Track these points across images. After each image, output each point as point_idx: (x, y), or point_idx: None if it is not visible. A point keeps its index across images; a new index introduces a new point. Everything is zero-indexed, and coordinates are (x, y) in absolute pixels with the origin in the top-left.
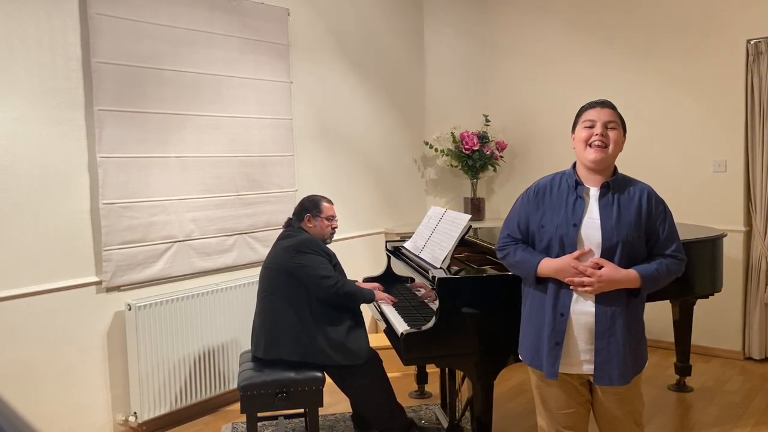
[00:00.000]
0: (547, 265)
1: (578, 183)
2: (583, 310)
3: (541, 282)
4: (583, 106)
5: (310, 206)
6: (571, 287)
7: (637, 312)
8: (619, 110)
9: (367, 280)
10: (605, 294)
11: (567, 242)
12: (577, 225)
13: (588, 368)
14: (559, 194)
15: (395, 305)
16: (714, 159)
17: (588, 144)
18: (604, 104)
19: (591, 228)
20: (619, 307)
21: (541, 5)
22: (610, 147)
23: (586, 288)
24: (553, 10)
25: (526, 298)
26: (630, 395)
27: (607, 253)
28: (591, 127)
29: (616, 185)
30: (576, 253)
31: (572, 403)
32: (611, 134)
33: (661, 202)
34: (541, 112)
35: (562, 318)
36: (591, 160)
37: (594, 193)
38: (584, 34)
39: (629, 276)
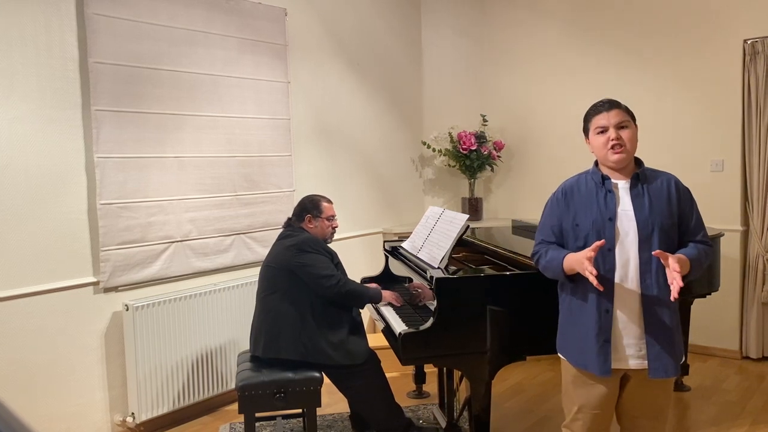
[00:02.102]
0: (569, 259)
1: (605, 178)
2: (629, 304)
3: (581, 281)
4: (589, 111)
5: (310, 207)
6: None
7: (676, 303)
8: None
9: (365, 280)
10: (650, 286)
11: (605, 237)
12: (612, 219)
13: (636, 363)
14: (587, 192)
15: (393, 305)
16: (711, 158)
17: (608, 149)
18: (611, 106)
19: (626, 220)
20: (664, 299)
21: (539, 5)
22: (628, 146)
23: (675, 287)
24: (551, 10)
25: (564, 299)
26: (670, 388)
27: (645, 242)
28: (604, 132)
29: (644, 176)
30: (593, 247)
31: (606, 402)
32: (625, 134)
33: (687, 190)
34: (539, 112)
35: (607, 315)
36: (614, 161)
37: (624, 185)
38: (582, 33)
39: (683, 260)
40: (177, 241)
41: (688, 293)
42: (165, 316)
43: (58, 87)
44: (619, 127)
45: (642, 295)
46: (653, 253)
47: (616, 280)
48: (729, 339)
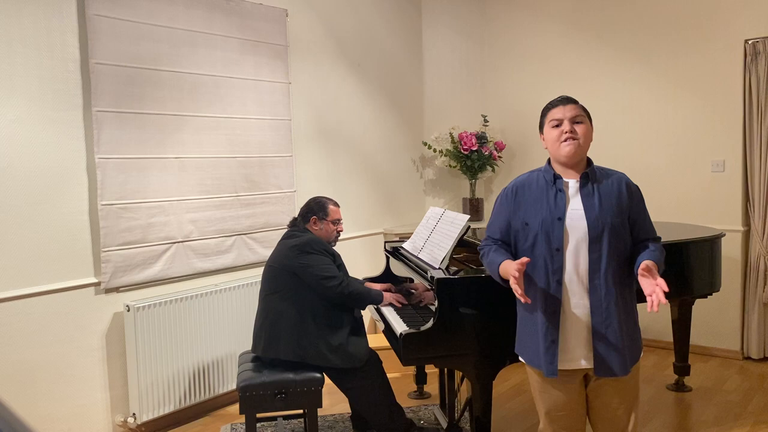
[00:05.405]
0: (504, 266)
1: (557, 177)
2: (577, 304)
3: (531, 281)
4: (546, 106)
5: (317, 208)
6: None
7: (630, 301)
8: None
9: (367, 280)
10: (598, 287)
11: (553, 236)
12: (561, 218)
13: (586, 362)
14: (538, 190)
15: (394, 306)
16: (712, 159)
17: (560, 141)
18: (567, 101)
19: (576, 219)
20: (613, 298)
21: (539, 5)
22: (581, 140)
23: (656, 300)
24: (551, 10)
25: (519, 300)
26: (628, 386)
27: (595, 241)
28: (558, 125)
29: (594, 175)
30: (520, 261)
31: (571, 403)
32: (579, 128)
33: (638, 189)
34: (540, 112)
35: (554, 315)
36: (565, 154)
37: (573, 185)
38: (582, 33)
39: (653, 268)
40: (178, 242)
41: (689, 293)
42: (166, 317)
43: (59, 88)
44: (574, 121)
45: (590, 295)
46: (640, 269)
47: (565, 279)
48: (730, 339)
